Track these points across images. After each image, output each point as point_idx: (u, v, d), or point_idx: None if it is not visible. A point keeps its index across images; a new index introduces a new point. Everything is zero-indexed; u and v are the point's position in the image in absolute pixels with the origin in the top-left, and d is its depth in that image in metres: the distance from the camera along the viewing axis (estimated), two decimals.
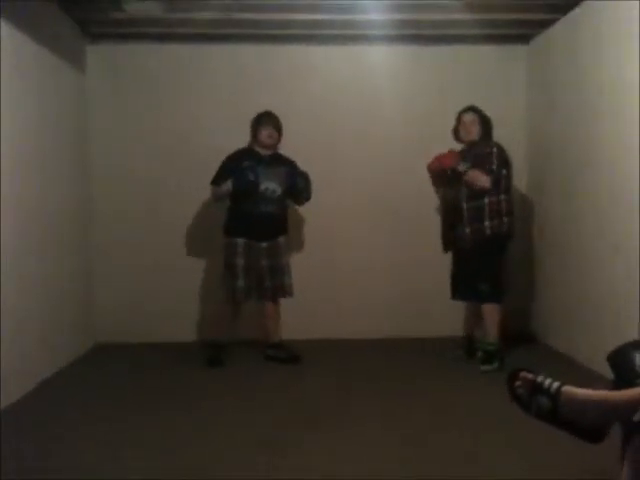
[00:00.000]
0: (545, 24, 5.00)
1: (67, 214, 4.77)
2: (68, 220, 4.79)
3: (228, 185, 4.51)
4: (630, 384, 1.84)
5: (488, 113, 4.56)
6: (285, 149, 4.74)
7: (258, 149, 4.65)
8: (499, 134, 4.58)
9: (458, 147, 4.59)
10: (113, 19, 4.76)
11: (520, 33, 5.29)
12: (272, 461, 2.86)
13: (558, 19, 4.82)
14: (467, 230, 4.42)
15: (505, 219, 4.41)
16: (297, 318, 5.02)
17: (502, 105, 4.66)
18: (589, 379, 1.84)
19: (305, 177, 4.66)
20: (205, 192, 4.83)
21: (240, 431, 3.25)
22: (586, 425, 1.74)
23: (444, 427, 3.31)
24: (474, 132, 4.53)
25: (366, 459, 2.90)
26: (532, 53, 5.41)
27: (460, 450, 2.99)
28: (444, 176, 4.51)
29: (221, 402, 3.78)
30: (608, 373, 2.06)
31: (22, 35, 3.96)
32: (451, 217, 4.54)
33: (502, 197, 4.40)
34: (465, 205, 4.41)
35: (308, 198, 4.73)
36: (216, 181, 4.60)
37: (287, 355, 4.68)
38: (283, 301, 4.74)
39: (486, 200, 4.37)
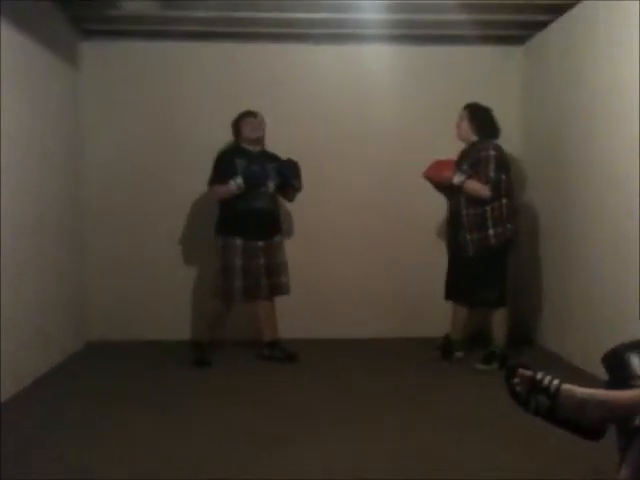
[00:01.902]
0: (540, 25, 5.00)
1: (59, 212, 4.73)
2: (61, 218, 4.76)
3: (238, 182, 4.40)
4: (625, 385, 1.83)
5: None
6: (280, 147, 4.71)
7: (245, 146, 4.60)
8: None
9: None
10: (107, 16, 4.73)
11: (515, 34, 5.29)
12: (271, 461, 2.84)
13: (553, 20, 4.82)
14: (467, 237, 4.35)
15: (508, 225, 4.33)
16: (292, 317, 4.99)
17: (497, 106, 4.65)
18: (581, 380, 1.83)
19: (294, 167, 4.59)
20: (198, 191, 4.81)
21: (238, 432, 3.22)
22: (585, 423, 1.73)
23: (439, 428, 3.29)
24: (463, 129, 4.47)
25: (365, 460, 2.88)
26: (527, 54, 5.41)
27: (459, 453, 2.96)
28: (442, 183, 4.45)
29: (217, 402, 3.75)
30: (603, 375, 2.05)
31: (16, 31, 3.92)
32: (452, 223, 4.50)
33: (504, 202, 4.31)
34: (464, 212, 4.35)
35: (300, 189, 4.64)
36: (216, 181, 4.52)
37: (283, 354, 4.63)
38: (280, 300, 4.69)
39: (487, 207, 4.29)
